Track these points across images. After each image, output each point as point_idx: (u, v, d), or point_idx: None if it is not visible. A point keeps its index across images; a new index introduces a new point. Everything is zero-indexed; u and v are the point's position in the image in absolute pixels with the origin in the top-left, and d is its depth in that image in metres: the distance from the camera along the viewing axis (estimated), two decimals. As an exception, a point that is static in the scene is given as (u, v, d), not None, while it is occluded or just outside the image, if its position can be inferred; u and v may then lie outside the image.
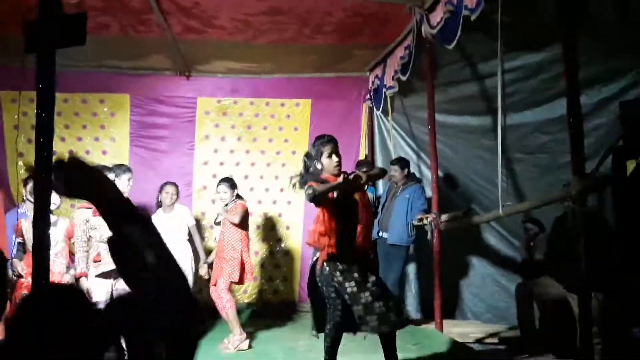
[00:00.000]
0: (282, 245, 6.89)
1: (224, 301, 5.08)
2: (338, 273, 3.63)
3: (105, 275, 4.31)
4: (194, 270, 5.53)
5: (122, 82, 6.54)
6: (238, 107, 6.85)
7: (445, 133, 5.72)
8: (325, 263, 3.69)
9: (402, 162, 5.92)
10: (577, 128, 2.98)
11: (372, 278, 3.66)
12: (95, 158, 6.50)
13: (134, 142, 6.61)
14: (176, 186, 5.65)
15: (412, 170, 6.51)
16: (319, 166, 3.75)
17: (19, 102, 5.93)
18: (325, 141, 3.77)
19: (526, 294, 5.05)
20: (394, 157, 6.48)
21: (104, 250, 4.16)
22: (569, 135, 3.05)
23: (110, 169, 4.79)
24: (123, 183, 4.77)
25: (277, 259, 6.87)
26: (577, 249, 3.09)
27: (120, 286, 4.24)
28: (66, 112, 6.42)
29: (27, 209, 4.79)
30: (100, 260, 4.25)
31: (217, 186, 5.39)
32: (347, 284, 3.60)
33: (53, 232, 4.62)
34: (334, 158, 3.73)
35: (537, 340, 4.94)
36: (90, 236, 4.47)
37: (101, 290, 4.28)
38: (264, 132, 6.90)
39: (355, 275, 3.61)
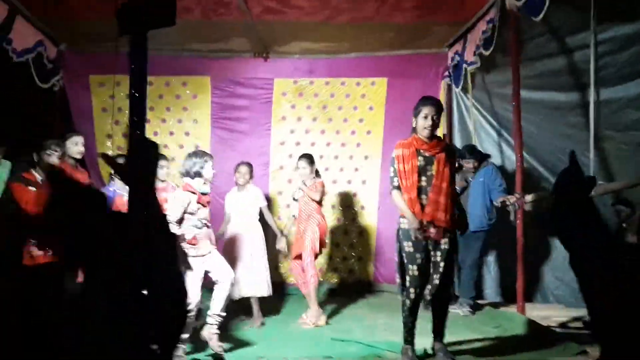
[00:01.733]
0: (357, 224, 6.90)
1: (309, 275, 5.18)
2: (407, 237, 3.89)
3: (193, 257, 4.38)
4: (265, 250, 5.57)
5: (203, 64, 6.71)
6: (314, 87, 6.88)
7: (529, 110, 5.49)
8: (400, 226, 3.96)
9: (475, 152, 5.73)
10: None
11: (436, 256, 3.87)
12: (178, 139, 6.74)
13: (215, 123, 6.79)
14: (250, 166, 5.70)
15: (492, 149, 6.34)
16: (413, 124, 3.91)
17: (107, 85, 6.32)
18: (425, 101, 3.91)
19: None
20: (473, 135, 6.31)
21: (198, 236, 4.30)
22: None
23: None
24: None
25: (352, 238, 6.89)
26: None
27: (209, 262, 4.37)
28: (151, 95, 6.66)
29: (117, 187, 5.00)
30: (196, 244, 4.32)
31: (298, 161, 5.51)
32: (405, 243, 3.90)
33: None
34: (427, 121, 3.82)
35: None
36: (183, 219, 4.38)
37: (197, 268, 4.32)
38: (339, 112, 6.90)
39: (419, 244, 3.85)
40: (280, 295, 6.12)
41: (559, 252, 6.15)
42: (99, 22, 4.99)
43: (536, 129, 5.80)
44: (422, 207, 3.83)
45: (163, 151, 6.66)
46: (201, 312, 4.43)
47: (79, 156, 5.07)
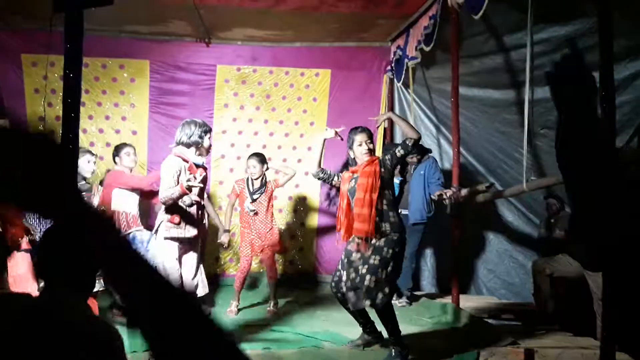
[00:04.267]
0: (299, 216, 6.89)
1: (274, 269, 5.44)
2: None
3: (174, 239, 4.07)
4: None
5: (142, 47, 6.50)
6: (257, 75, 6.80)
7: (467, 106, 5.64)
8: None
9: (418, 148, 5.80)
10: (609, 101, 2.90)
11: (363, 260, 3.81)
12: (115, 124, 6.52)
13: (154, 108, 6.60)
14: None
15: (431, 143, 6.47)
16: (351, 154, 4.04)
17: (40, 65, 6.03)
18: (355, 131, 4.05)
19: (543, 271, 5.03)
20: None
21: (184, 214, 4.02)
22: (600, 108, 2.97)
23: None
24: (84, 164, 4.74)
25: (294, 230, 6.88)
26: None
27: (186, 253, 4.17)
28: (86, 77, 6.38)
29: None
30: (178, 223, 4.01)
31: (247, 160, 5.43)
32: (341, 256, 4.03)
33: (88, 198, 4.64)
34: (363, 147, 3.96)
35: (553, 317, 4.94)
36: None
37: (171, 253, 4.04)
38: (283, 102, 6.85)
39: (347, 254, 3.93)
40: (215, 286, 6.03)
41: (492, 245, 6.37)
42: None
43: (473, 125, 5.96)
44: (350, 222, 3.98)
45: (97, 137, 6.46)
46: None
47: None
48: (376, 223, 3.79)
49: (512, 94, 5.45)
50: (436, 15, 5.03)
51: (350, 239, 3.94)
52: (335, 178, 4.18)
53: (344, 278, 3.88)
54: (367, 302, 3.73)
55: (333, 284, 4.03)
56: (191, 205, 4.06)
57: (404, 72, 6.17)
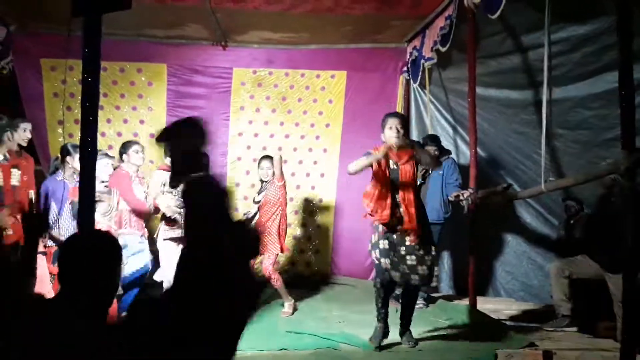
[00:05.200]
0: (315, 217, 6.90)
1: (274, 280, 5.24)
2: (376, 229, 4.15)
3: (173, 239, 4.43)
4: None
5: (159, 51, 6.55)
6: (273, 78, 6.82)
7: (484, 107, 5.60)
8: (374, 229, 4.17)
9: (437, 140, 5.82)
10: (628, 100, 2.87)
11: (410, 251, 4.03)
12: (133, 127, 6.59)
13: (171, 111, 6.63)
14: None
15: (448, 144, 6.44)
16: (382, 138, 4.15)
17: (59, 69, 6.11)
18: (390, 114, 4.27)
19: (562, 272, 4.98)
20: (430, 131, 6.39)
21: (178, 216, 4.38)
22: (620, 108, 2.94)
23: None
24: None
25: (310, 231, 6.89)
26: (622, 227, 3.01)
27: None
28: (104, 81, 6.43)
29: (66, 176, 4.79)
30: (173, 226, 4.37)
31: (260, 162, 5.47)
32: (380, 242, 4.10)
33: (110, 200, 4.73)
34: (393, 131, 4.06)
35: (571, 318, 4.88)
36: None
37: (171, 251, 4.39)
38: (299, 104, 6.87)
39: (392, 247, 4.05)
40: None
41: (510, 247, 6.30)
42: (51, 1, 4.82)
43: (490, 126, 5.91)
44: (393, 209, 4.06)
45: (116, 140, 6.50)
46: None
47: (24, 143, 4.91)
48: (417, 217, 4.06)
49: (529, 94, 5.40)
50: (452, 16, 5.01)
51: (386, 231, 4.08)
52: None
53: (396, 263, 4.03)
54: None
55: (382, 269, 4.09)
56: (182, 208, 4.34)
57: (420, 72, 6.16)
